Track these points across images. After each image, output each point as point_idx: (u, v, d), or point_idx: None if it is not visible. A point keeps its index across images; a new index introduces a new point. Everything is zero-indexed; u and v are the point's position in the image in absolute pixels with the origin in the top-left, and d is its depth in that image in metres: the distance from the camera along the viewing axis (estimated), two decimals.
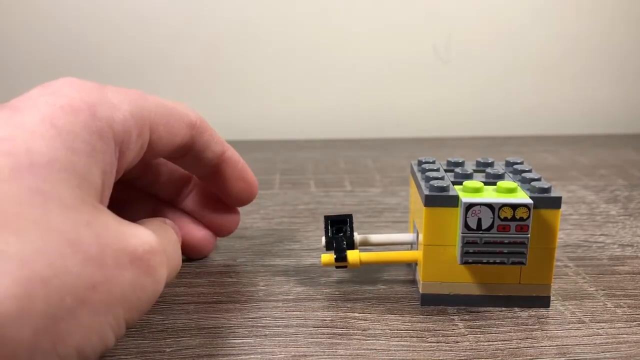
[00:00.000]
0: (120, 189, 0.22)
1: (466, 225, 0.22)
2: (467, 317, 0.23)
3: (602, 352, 0.21)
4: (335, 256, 0.25)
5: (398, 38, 0.59)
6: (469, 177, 0.25)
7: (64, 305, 0.15)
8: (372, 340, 0.22)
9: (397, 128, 0.61)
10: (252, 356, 0.21)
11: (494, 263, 0.23)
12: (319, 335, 0.22)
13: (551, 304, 0.24)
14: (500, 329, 0.23)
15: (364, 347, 0.21)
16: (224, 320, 0.23)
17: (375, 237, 0.27)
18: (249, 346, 0.21)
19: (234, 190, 0.27)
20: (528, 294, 0.24)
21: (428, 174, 0.24)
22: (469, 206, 0.22)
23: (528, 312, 0.24)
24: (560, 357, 0.21)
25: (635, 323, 0.23)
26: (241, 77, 0.59)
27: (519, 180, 0.25)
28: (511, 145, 0.55)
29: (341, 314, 0.24)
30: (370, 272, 0.28)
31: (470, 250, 0.23)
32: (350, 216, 0.26)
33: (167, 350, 0.21)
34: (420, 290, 0.24)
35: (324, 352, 0.21)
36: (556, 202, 0.23)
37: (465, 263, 0.23)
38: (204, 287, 0.26)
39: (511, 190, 0.23)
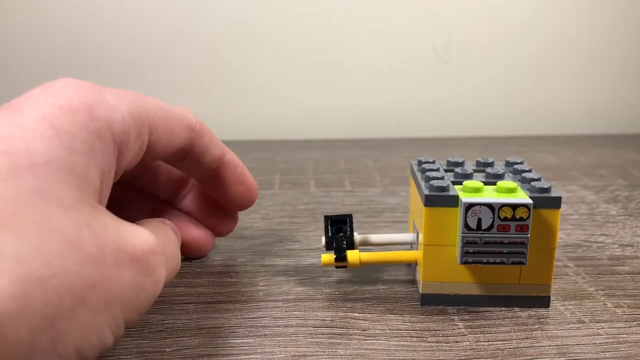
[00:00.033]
0: (119, 189, 0.22)
1: (466, 225, 0.22)
2: (467, 317, 0.23)
3: (602, 352, 0.21)
4: (335, 256, 0.25)
5: (398, 38, 0.59)
6: (469, 177, 0.25)
7: (63, 305, 0.15)
8: (372, 340, 0.22)
9: (397, 128, 0.61)
10: (252, 356, 0.21)
11: (494, 263, 0.23)
12: (319, 335, 0.22)
13: (551, 304, 0.24)
14: (500, 329, 0.23)
15: (364, 347, 0.21)
16: (224, 320, 0.23)
17: (375, 237, 0.27)
18: (248, 346, 0.21)
19: (234, 194, 0.27)
20: (528, 294, 0.24)
21: (428, 174, 0.24)
22: (469, 206, 0.22)
23: (528, 312, 0.24)
24: (560, 357, 0.21)
25: (635, 323, 0.23)
26: (241, 77, 0.59)
27: (519, 180, 0.25)
28: (511, 145, 0.55)
29: (341, 314, 0.24)
30: (370, 272, 0.28)
31: (470, 250, 0.22)
32: (350, 216, 0.26)
33: (167, 350, 0.21)
34: (420, 290, 0.24)
35: (324, 352, 0.21)
36: (556, 202, 0.23)
37: (465, 263, 0.23)
38: (204, 287, 0.26)
39: (511, 190, 0.23)
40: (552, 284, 0.24)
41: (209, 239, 0.29)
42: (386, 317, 0.23)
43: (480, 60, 0.60)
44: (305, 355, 0.21)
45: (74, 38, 0.57)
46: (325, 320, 0.23)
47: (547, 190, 0.23)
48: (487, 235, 0.22)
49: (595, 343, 0.21)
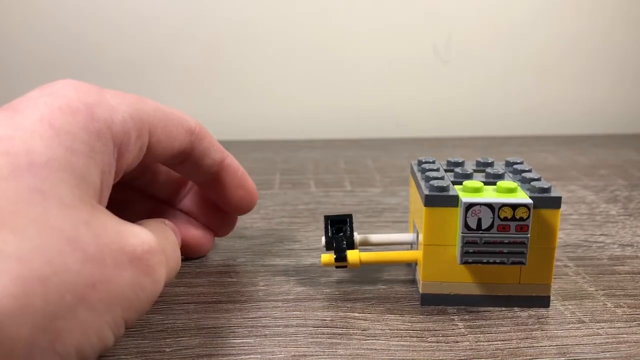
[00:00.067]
0: (119, 190, 0.22)
1: (466, 225, 0.22)
2: (467, 317, 0.23)
3: (602, 352, 0.21)
4: (335, 256, 0.25)
5: (398, 38, 0.59)
6: (469, 177, 0.25)
7: (64, 303, 0.15)
8: (372, 340, 0.22)
9: (397, 128, 0.61)
10: (252, 356, 0.21)
11: (494, 263, 0.23)
12: (319, 335, 0.22)
13: (551, 304, 0.24)
14: (500, 329, 0.23)
15: (364, 347, 0.21)
16: (224, 320, 0.23)
17: (375, 237, 0.27)
18: (248, 346, 0.21)
19: (234, 198, 0.27)
20: (528, 293, 0.24)
21: (428, 174, 0.24)
22: (469, 206, 0.22)
23: (528, 312, 0.24)
24: (560, 357, 0.21)
25: (635, 323, 0.23)
26: (241, 77, 0.59)
27: (519, 180, 0.25)
28: (511, 145, 0.55)
29: (341, 314, 0.24)
30: (370, 272, 0.28)
31: (470, 250, 0.22)
32: (350, 216, 0.26)
33: (167, 350, 0.21)
34: (420, 290, 0.24)
35: (324, 352, 0.21)
36: (556, 202, 0.23)
37: (465, 263, 0.23)
38: (204, 287, 0.26)
39: (511, 190, 0.23)
40: (552, 284, 0.24)
41: (209, 238, 0.29)
42: (386, 317, 0.23)
43: (480, 60, 0.60)
44: (305, 355, 0.21)
45: (74, 38, 0.57)
46: (325, 320, 0.23)
47: (547, 190, 0.23)
48: (487, 235, 0.22)
49: (595, 343, 0.21)
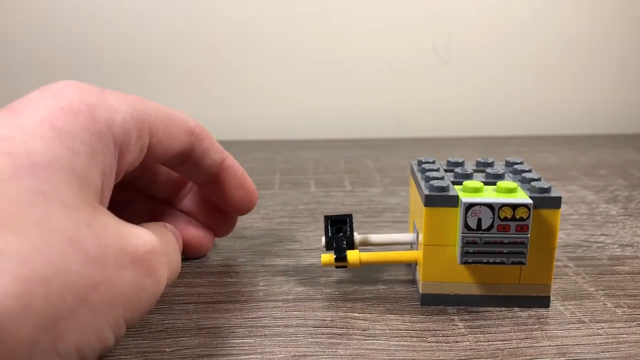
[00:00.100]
0: (119, 190, 0.22)
1: (466, 225, 0.22)
2: (467, 317, 0.23)
3: (602, 352, 0.21)
4: (335, 256, 0.25)
5: (398, 38, 0.59)
6: (469, 177, 0.25)
7: (65, 304, 0.15)
8: (372, 340, 0.22)
9: (397, 128, 0.61)
10: (252, 356, 0.21)
11: (494, 263, 0.23)
12: (319, 335, 0.22)
13: (551, 304, 0.24)
14: (500, 329, 0.23)
15: (364, 347, 0.21)
16: (224, 320, 0.23)
17: (375, 237, 0.27)
18: (248, 346, 0.21)
19: (234, 199, 0.27)
20: (528, 294, 0.24)
21: (428, 174, 0.24)
22: (469, 206, 0.22)
23: (528, 312, 0.24)
24: (560, 357, 0.21)
25: (635, 323, 0.23)
26: (241, 77, 0.59)
27: (519, 180, 0.25)
28: (511, 145, 0.55)
29: (341, 314, 0.24)
30: (370, 272, 0.28)
31: (470, 250, 0.23)
32: (350, 216, 0.26)
33: (167, 350, 0.21)
34: (420, 290, 0.24)
35: (324, 352, 0.21)
36: (556, 202, 0.23)
37: (465, 263, 0.23)
38: (204, 287, 0.26)
39: (511, 190, 0.23)
40: (552, 284, 0.24)
41: (209, 238, 0.29)
42: (386, 317, 0.23)
43: (480, 60, 0.60)
44: (305, 355, 0.21)
45: (74, 38, 0.57)
46: (325, 320, 0.23)
47: (547, 190, 0.23)
48: (487, 235, 0.22)
49: (595, 343, 0.21)
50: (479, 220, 0.22)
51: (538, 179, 0.24)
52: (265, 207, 0.37)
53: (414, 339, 0.22)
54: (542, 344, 0.21)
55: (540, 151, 0.53)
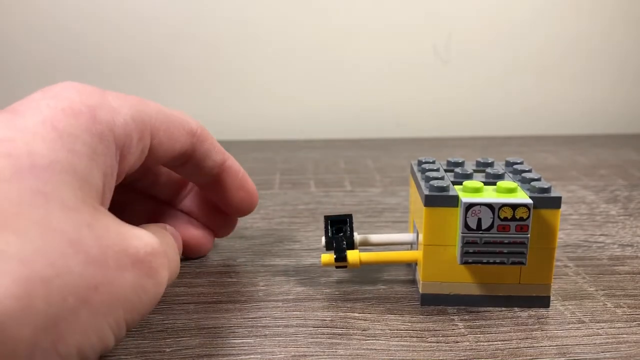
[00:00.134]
0: (120, 192, 0.22)
1: (466, 225, 0.22)
2: (467, 317, 0.23)
3: (602, 352, 0.21)
4: (335, 256, 0.25)
5: (398, 38, 0.59)
6: (469, 177, 0.25)
7: (66, 305, 0.15)
8: (372, 340, 0.22)
9: (397, 128, 0.61)
10: (252, 356, 0.21)
11: (494, 263, 0.23)
12: (319, 335, 0.22)
13: (551, 304, 0.24)
14: (500, 329, 0.23)
15: (364, 347, 0.21)
16: (224, 320, 0.23)
17: (375, 237, 0.27)
18: (249, 346, 0.21)
19: (235, 200, 0.27)
20: (528, 294, 0.24)
21: (428, 174, 0.24)
22: (469, 206, 0.22)
23: (528, 312, 0.24)
24: (560, 357, 0.21)
25: (635, 323, 0.23)
26: (241, 77, 0.59)
27: (519, 180, 0.25)
28: (511, 145, 0.55)
29: (341, 314, 0.24)
30: (370, 272, 0.28)
31: (470, 250, 0.23)
32: (350, 216, 0.26)
33: (167, 350, 0.21)
34: (420, 290, 0.24)
35: (324, 352, 0.21)
36: (556, 202, 0.23)
37: (465, 263, 0.23)
38: (204, 287, 0.26)
39: (511, 190, 0.23)
40: (552, 284, 0.24)
41: (209, 238, 0.29)
42: (386, 317, 0.23)
43: (480, 60, 0.60)
44: (305, 355, 0.21)
45: (74, 38, 0.57)
46: (325, 320, 0.23)
47: (547, 190, 0.23)
48: (487, 235, 0.22)
49: (595, 343, 0.22)
50: (479, 220, 0.22)
51: (538, 179, 0.24)
52: (265, 207, 0.37)
53: (414, 339, 0.22)
54: (542, 344, 0.21)
55: (540, 151, 0.53)
